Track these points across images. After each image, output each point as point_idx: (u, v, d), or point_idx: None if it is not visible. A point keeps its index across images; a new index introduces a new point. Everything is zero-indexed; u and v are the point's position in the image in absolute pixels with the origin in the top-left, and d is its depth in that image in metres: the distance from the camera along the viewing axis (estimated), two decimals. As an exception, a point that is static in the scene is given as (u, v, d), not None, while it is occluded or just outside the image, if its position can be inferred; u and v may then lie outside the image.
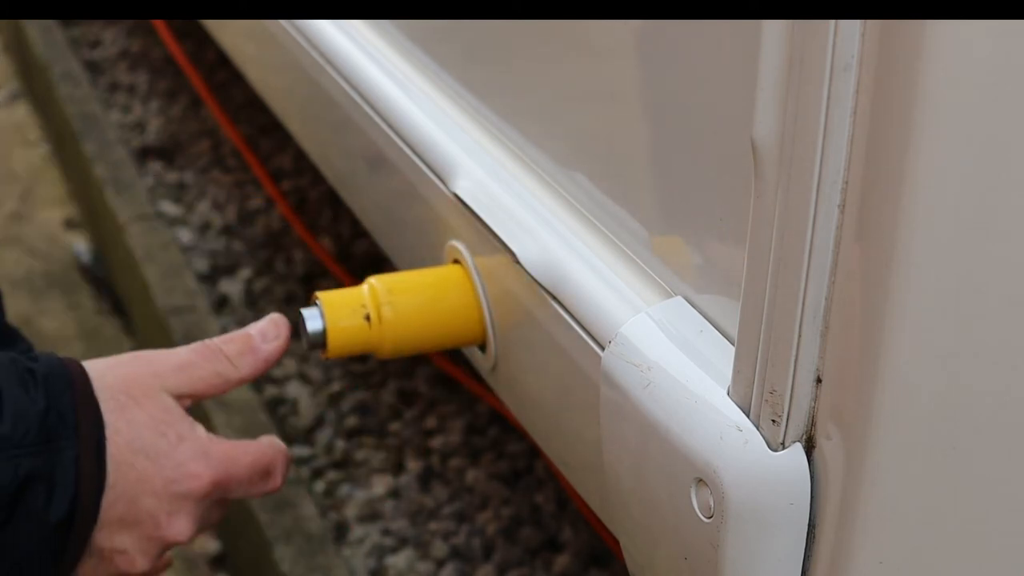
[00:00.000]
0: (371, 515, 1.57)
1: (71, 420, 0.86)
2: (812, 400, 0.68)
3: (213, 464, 0.93)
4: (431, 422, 1.71)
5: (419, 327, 1.01)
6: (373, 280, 1.01)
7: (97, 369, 0.91)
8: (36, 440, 0.84)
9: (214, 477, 0.93)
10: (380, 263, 1.95)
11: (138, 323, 2.02)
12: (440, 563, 1.50)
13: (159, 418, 0.91)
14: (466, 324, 1.02)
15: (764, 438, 0.70)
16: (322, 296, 0.99)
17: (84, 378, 0.89)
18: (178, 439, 0.91)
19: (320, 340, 0.99)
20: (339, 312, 0.99)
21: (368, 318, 0.99)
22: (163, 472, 0.90)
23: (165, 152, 2.36)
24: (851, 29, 0.59)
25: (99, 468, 0.87)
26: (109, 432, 0.88)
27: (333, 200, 2.06)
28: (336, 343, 0.98)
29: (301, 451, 1.67)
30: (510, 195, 0.98)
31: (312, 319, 0.99)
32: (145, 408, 0.90)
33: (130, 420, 0.89)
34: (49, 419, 0.85)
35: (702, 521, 0.72)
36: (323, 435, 1.70)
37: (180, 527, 0.92)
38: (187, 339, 1.79)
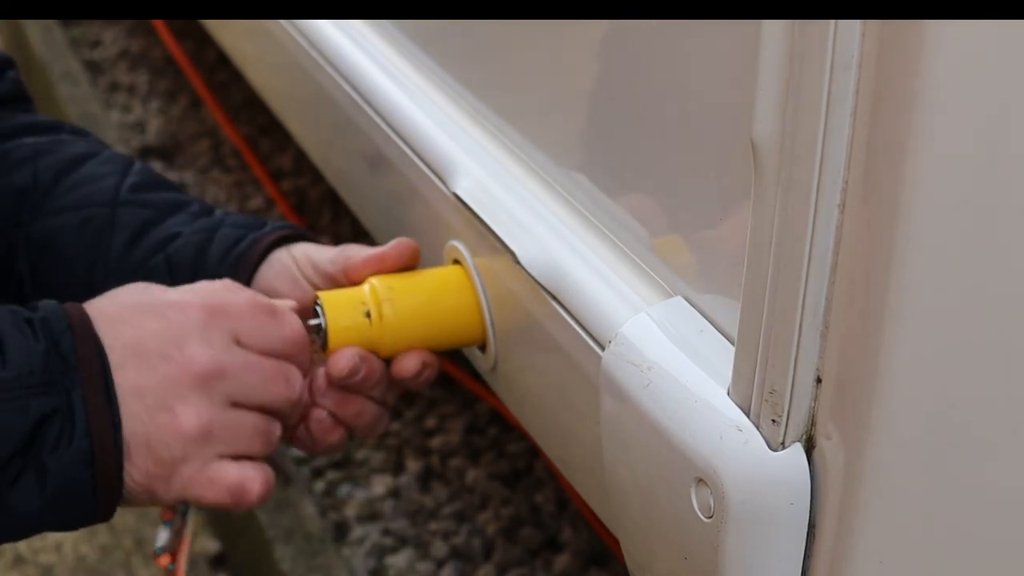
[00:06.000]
0: (371, 515, 1.57)
1: (72, 360, 0.86)
2: (812, 400, 0.68)
3: (199, 294, 0.93)
4: (431, 422, 1.71)
5: (419, 326, 1.01)
6: (374, 279, 1.01)
7: (97, 304, 0.92)
8: (41, 381, 0.85)
9: (204, 301, 0.91)
10: (380, 263, 1.95)
11: (138, 323, 2.02)
12: (440, 563, 1.50)
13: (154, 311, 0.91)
14: (466, 324, 1.02)
15: (764, 438, 0.70)
16: (323, 296, 0.99)
17: (83, 316, 0.89)
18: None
19: (321, 339, 0.99)
20: (340, 310, 0.99)
21: (368, 315, 0.99)
22: (162, 346, 0.89)
23: (165, 152, 2.36)
24: (851, 29, 0.59)
25: (109, 401, 0.87)
26: (115, 368, 0.88)
27: (333, 200, 2.06)
28: (337, 341, 0.98)
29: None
30: (510, 195, 0.98)
31: (313, 318, 0.99)
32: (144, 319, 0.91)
33: (127, 335, 0.89)
34: (50, 360, 0.86)
35: (702, 521, 0.72)
36: (323, 435, 1.69)
37: (191, 353, 0.89)
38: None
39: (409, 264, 1.03)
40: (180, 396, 0.89)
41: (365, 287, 1.01)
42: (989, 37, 0.57)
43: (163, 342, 0.89)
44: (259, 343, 0.93)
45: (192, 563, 1.65)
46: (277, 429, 0.93)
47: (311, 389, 1.00)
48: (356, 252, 1.02)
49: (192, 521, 0.96)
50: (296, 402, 0.94)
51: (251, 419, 0.92)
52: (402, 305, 1.00)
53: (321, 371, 0.99)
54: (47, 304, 0.90)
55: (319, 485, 1.62)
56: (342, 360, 0.97)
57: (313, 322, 0.99)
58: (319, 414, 1.00)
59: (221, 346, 0.91)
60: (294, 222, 2.02)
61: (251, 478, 0.91)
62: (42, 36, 2.67)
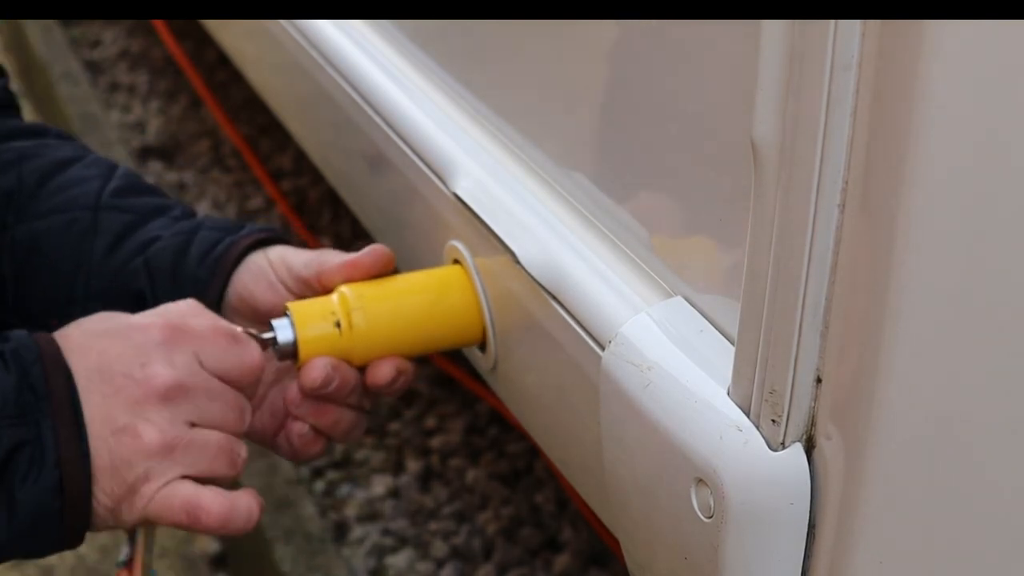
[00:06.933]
0: (371, 515, 1.57)
1: (42, 391, 0.87)
2: (812, 400, 0.68)
3: (163, 315, 0.93)
4: (431, 422, 1.71)
5: (393, 332, 0.99)
6: (345, 287, 1.00)
7: (65, 332, 0.92)
8: (13, 413, 0.85)
9: (167, 322, 0.91)
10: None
11: (138, 323, 2.02)
12: (440, 563, 1.50)
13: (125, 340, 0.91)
14: (451, 326, 1.01)
15: (764, 438, 0.70)
16: (292, 306, 0.98)
17: (53, 345, 0.89)
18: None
19: (291, 351, 0.97)
20: (309, 321, 0.97)
21: (339, 324, 0.98)
22: (125, 360, 0.89)
23: (165, 152, 2.36)
24: (851, 29, 0.59)
25: (78, 430, 0.87)
26: (83, 395, 0.88)
27: (333, 200, 2.06)
28: (307, 352, 0.97)
29: (301, 451, 1.67)
30: (510, 195, 0.98)
31: (282, 329, 0.97)
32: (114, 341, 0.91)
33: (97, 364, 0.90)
34: (22, 392, 0.86)
35: (702, 521, 0.72)
36: (323, 435, 1.69)
37: (153, 371, 0.89)
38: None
39: (383, 270, 1.02)
40: (142, 414, 0.89)
41: (334, 296, 0.99)
42: (989, 37, 0.57)
43: (126, 362, 0.89)
44: (219, 368, 0.93)
45: (192, 563, 1.65)
46: (242, 450, 0.93)
47: (287, 401, 0.99)
48: (331, 258, 1.02)
49: (145, 539, 0.95)
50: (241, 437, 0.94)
51: (214, 437, 0.91)
52: (374, 313, 0.99)
53: (295, 384, 0.99)
54: (17, 334, 0.90)
55: (319, 485, 1.62)
56: (314, 371, 0.97)
57: (283, 333, 0.97)
58: (299, 427, 1.00)
59: (183, 365, 0.91)
60: (294, 222, 2.02)
61: (209, 499, 0.90)
62: (42, 36, 2.67)
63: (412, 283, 1.02)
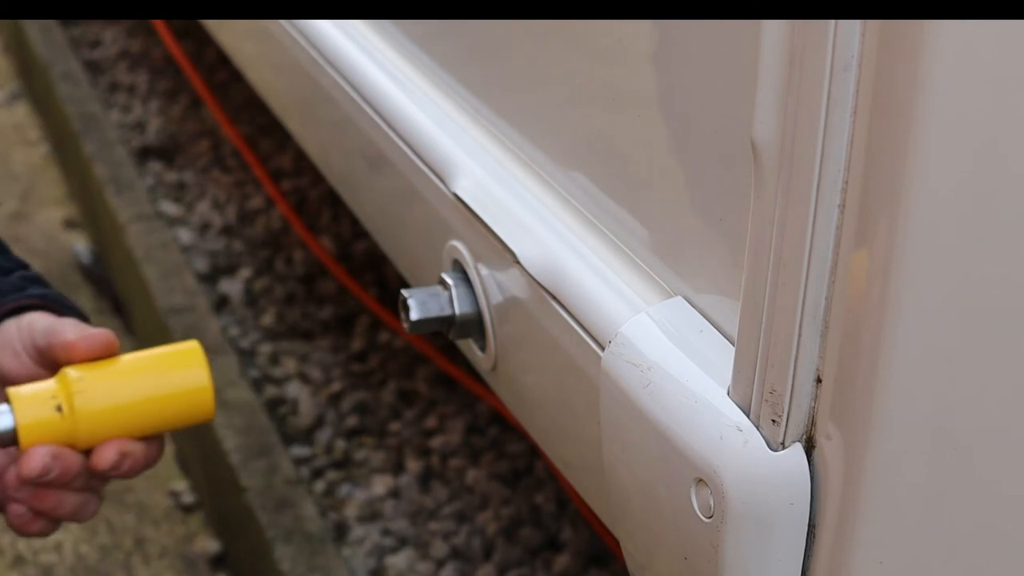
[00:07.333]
0: (371, 515, 1.57)
1: None
2: (812, 400, 0.68)
3: None
4: (431, 422, 1.71)
5: (118, 413, 0.97)
6: (69, 369, 0.97)
7: None
8: None
9: None
10: (380, 263, 1.95)
11: (138, 323, 2.02)
12: (440, 563, 1.50)
13: None
14: (178, 406, 0.99)
15: (764, 438, 0.70)
16: (11, 392, 0.96)
17: None
18: None
19: (11, 438, 0.95)
20: (29, 406, 0.96)
21: (60, 408, 0.96)
22: None
23: (165, 152, 2.36)
24: (851, 29, 0.59)
25: None
26: None
27: (333, 200, 2.06)
28: (29, 438, 0.95)
29: (301, 451, 1.67)
30: (510, 195, 0.98)
31: (2, 416, 0.95)
32: None
33: None
34: None
35: (702, 521, 0.72)
36: (323, 435, 1.70)
37: None
38: (187, 338, 1.79)
39: (103, 355, 0.99)
40: None
41: (54, 380, 0.97)
42: (988, 37, 0.57)
43: None
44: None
45: (192, 563, 1.65)
46: None
47: (5, 484, 0.98)
48: (66, 329, 0.99)
49: None
50: None
51: None
52: (97, 395, 0.96)
53: (14, 469, 0.97)
54: None
55: (319, 485, 1.62)
56: (33, 460, 0.95)
57: (2, 420, 0.95)
58: (16, 508, 0.98)
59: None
60: (295, 222, 2.02)
61: None
62: (42, 36, 2.67)
63: (140, 362, 1.00)
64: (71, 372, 0.97)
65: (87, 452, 0.97)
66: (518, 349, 0.99)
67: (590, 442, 0.87)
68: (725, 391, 0.73)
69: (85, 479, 0.98)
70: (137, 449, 0.98)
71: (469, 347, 1.07)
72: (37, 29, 2.70)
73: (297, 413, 1.73)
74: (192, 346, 1.01)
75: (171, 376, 0.99)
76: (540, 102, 0.99)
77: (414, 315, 1.03)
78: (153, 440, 1.00)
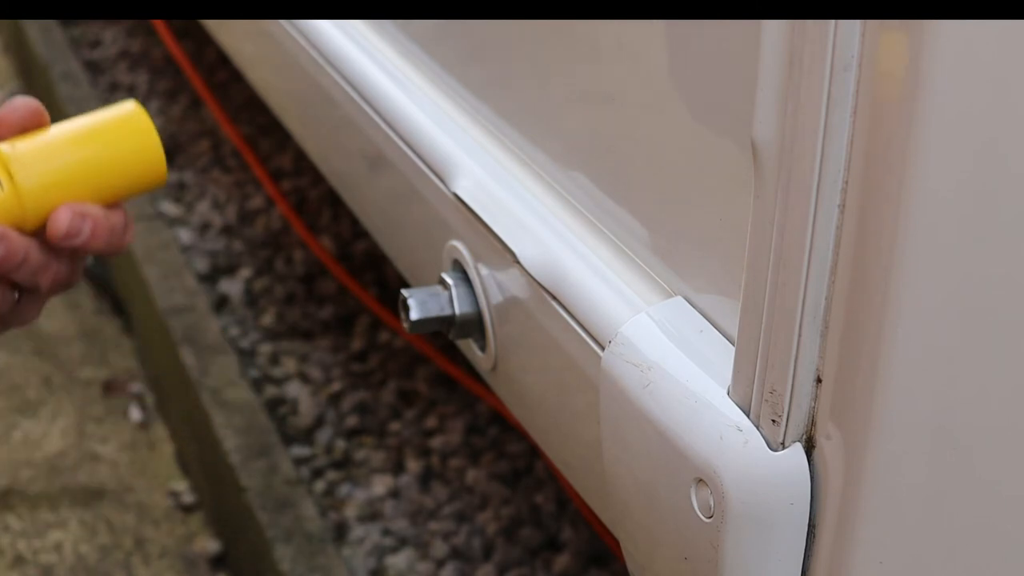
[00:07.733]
0: (371, 515, 1.57)
1: None
2: (812, 400, 0.68)
3: None
4: (431, 422, 1.71)
5: (70, 182, 0.88)
6: (2, 144, 0.88)
7: None
8: None
9: None
10: (380, 263, 1.95)
11: (138, 323, 2.02)
12: (440, 563, 1.50)
13: None
14: (127, 167, 0.90)
15: (764, 438, 0.70)
16: None
17: None
18: None
19: None
20: None
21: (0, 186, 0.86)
22: None
23: (165, 152, 2.36)
24: (851, 29, 0.59)
25: None
26: None
27: (333, 200, 2.06)
28: None
29: (301, 451, 1.67)
30: (510, 195, 0.98)
31: None
32: None
33: None
34: None
35: (702, 521, 0.72)
36: (323, 435, 1.70)
37: None
38: (187, 339, 1.79)
39: (33, 124, 0.90)
40: None
41: None
42: (988, 37, 0.57)
43: None
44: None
45: (192, 563, 1.65)
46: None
47: None
48: None
49: None
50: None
51: None
52: (39, 164, 0.88)
53: None
54: None
55: (319, 485, 1.62)
56: None
57: None
58: None
59: None
60: (295, 222, 2.02)
61: None
62: (42, 36, 2.67)
63: (78, 127, 0.91)
64: (3, 146, 0.88)
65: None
66: (518, 349, 0.99)
67: (590, 442, 0.87)
68: (725, 391, 0.73)
69: (30, 271, 0.87)
70: (95, 211, 0.88)
71: (469, 347, 1.07)
72: (37, 29, 2.70)
73: (297, 413, 1.73)
74: (131, 105, 0.92)
75: (115, 135, 0.91)
76: (540, 102, 0.99)
77: (414, 315, 1.03)
78: (114, 207, 0.90)
